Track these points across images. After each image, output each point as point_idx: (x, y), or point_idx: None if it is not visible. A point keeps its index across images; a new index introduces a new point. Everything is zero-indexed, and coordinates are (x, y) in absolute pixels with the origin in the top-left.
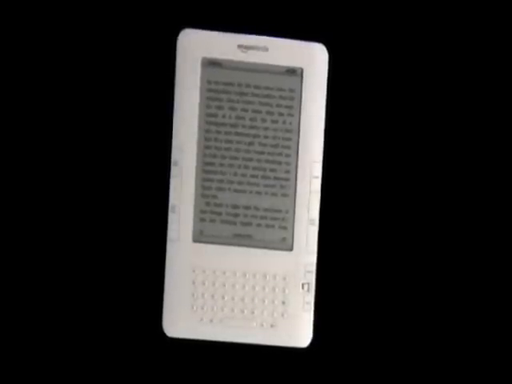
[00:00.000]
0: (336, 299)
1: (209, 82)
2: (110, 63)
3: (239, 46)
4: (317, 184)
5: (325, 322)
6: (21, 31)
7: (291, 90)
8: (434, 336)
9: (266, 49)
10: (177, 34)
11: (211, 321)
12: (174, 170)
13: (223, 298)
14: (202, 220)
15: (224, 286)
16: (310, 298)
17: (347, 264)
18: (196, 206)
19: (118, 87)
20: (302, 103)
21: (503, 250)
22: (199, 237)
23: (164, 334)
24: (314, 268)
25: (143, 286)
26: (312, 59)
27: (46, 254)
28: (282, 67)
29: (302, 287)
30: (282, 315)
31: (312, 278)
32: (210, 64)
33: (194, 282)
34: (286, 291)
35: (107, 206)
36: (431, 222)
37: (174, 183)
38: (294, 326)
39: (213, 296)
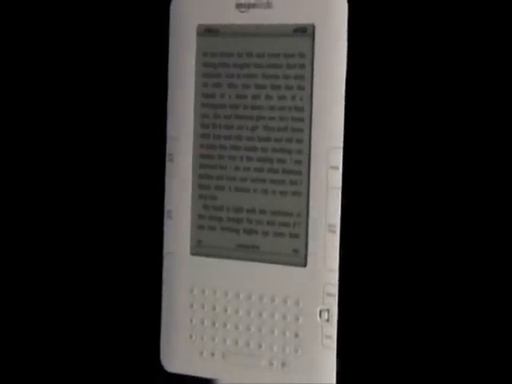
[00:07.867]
0: (366, 331)
1: (205, 55)
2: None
3: (238, 6)
4: (336, 177)
5: (350, 362)
6: None
7: (301, 55)
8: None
9: (269, 5)
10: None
11: (212, 355)
12: (169, 167)
13: (225, 326)
14: (201, 228)
15: (226, 310)
16: (332, 330)
17: (378, 283)
18: (193, 210)
19: (106, 72)
20: (315, 72)
21: None
22: (197, 249)
23: (163, 369)
24: (335, 290)
25: (140, 309)
26: (327, 13)
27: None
28: (289, 26)
29: (320, 315)
30: (296, 351)
31: (333, 304)
32: (206, 32)
33: (191, 305)
34: (300, 320)
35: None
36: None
37: (170, 183)
38: (311, 367)
39: (213, 323)
